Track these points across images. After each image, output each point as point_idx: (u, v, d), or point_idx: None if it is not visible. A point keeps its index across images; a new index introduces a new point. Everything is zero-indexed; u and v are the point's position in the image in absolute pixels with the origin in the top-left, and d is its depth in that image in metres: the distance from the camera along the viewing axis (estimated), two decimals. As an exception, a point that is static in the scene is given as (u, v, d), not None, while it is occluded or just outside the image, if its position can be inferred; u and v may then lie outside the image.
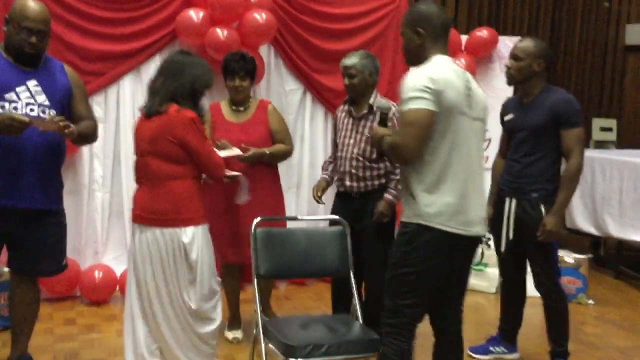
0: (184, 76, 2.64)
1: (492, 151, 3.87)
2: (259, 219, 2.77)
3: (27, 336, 2.95)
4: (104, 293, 4.08)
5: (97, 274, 4.04)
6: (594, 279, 4.94)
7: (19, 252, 2.85)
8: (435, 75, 2.23)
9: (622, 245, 5.35)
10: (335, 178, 3.42)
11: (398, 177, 3.23)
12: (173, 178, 2.61)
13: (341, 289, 3.31)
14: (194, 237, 2.63)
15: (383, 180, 3.28)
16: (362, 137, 3.26)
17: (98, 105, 4.15)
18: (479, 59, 5.06)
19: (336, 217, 2.98)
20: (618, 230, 4.96)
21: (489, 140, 4.53)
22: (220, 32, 4.17)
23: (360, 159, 3.25)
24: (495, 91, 5.01)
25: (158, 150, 2.60)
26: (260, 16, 4.27)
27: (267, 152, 3.42)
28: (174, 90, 2.62)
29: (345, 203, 3.33)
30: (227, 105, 3.52)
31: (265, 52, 4.60)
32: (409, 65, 2.41)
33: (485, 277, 4.75)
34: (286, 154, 3.59)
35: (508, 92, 5.00)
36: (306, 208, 4.82)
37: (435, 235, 2.26)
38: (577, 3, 6.89)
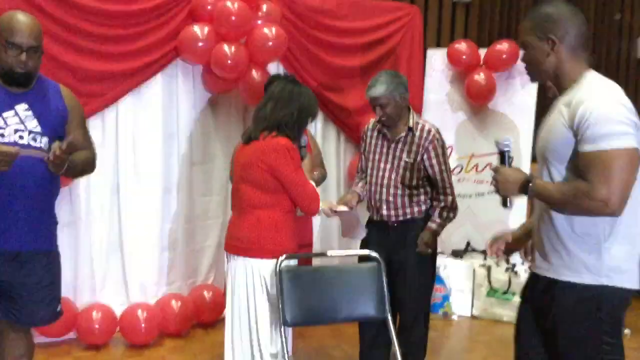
0: (292, 105, 2.58)
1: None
2: (284, 256, 2.45)
3: None
4: (103, 336, 3.70)
5: (96, 315, 3.66)
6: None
7: (7, 299, 2.49)
8: (629, 103, 1.82)
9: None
10: (367, 206, 3.11)
11: (443, 204, 2.94)
12: (261, 207, 2.53)
13: (373, 331, 3.00)
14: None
15: (423, 208, 2.99)
16: (400, 162, 2.96)
17: (95, 129, 3.81)
18: (498, 74, 4.78)
19: (368, 251, 2.64)
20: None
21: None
22: (228, 49, 3.86)
23: (400, 185, 2.95)
24: (516, 108, 4.76)
25: (249, 177, 2.54)
26: (270, 31, 3.97)
27: (316, 176, 3.22)
28: (281, 119, 2.55)
29: (381, 233, 3.01)
30: None
31: (274, 70, 4.31)
32: (535, 81, 2.03)
33: (513, 307, 4.43)
34: (325, 178, 3.42)
35: (529, 109, 4.76)
36: (319, 239, 4.50)
37: (624, 297, 1.86)
38: (589, 16, 6.68)
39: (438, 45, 5.37)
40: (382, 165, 3.00)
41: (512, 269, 4.49)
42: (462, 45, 4.81)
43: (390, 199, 2.96)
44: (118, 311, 3.81)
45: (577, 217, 1.86)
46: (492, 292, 4.50)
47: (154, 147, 3.99)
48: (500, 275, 4.48)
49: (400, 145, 2.98)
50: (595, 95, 1.83)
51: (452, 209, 2.98)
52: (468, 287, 4.58)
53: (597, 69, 6.27)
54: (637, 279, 1.88)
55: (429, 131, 2.96)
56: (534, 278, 2.04)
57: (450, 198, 2.97)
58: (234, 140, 4.25)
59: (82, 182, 3.79)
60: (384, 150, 3.01)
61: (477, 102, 4.82)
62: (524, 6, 6.21)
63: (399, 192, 2.95)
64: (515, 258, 4.64)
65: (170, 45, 3.96)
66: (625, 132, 1.75)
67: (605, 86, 1.88)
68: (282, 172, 2.48)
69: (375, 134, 3.08)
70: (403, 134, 2.97)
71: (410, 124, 2.96)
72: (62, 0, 3.63)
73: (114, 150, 3.91)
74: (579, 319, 1.86)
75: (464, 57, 4.76)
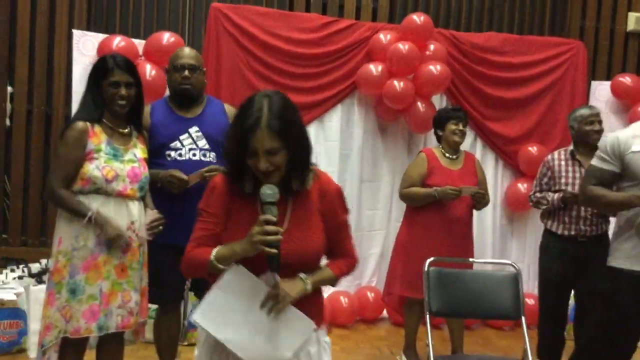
0: None
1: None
2: (432, 258, 2.96)
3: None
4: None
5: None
6: None
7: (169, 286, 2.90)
8: None
9: None
10: (556, 223, 3.50)
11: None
12: None
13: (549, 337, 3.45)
14: None
15: (607, 225, 3.44)
16: None
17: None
18: (664, 106, 4.82)
19: (507, 261, 3.05)
20: None
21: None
22: (397, 84, 4.49)
23: None
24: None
25: None
26: (435, 68, 4.52)
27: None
28: None
29: (566, 248, 3.44)
30: (440, 153, 3.72)
31: (437, 100, 4.83)
32: None
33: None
34: (487, 204, 3.77)
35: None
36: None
37: None
38: None
39: (608, 77, 5.44)
40: (577, 188, 3.38)
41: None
42: (626, 79, 4.93)
43: (588, 215, 3.38)
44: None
45: None
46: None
47: (331, 166, 4.71)
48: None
49: None
50: None
51: None
52: None
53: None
54: None
55: None
56: None
57: None
58: (399, 162, 4.85)
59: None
60: (577, 175, 3.46)
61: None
62: None
63: (595, 209, 3.35)
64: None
65: (349, 81, 4.72)
66: None
67: None
68: None
69: (563, 162, 3.54)
70: None
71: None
72: (268, 47, 4.56)
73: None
74: None
75: (628, 89, 4.88)
